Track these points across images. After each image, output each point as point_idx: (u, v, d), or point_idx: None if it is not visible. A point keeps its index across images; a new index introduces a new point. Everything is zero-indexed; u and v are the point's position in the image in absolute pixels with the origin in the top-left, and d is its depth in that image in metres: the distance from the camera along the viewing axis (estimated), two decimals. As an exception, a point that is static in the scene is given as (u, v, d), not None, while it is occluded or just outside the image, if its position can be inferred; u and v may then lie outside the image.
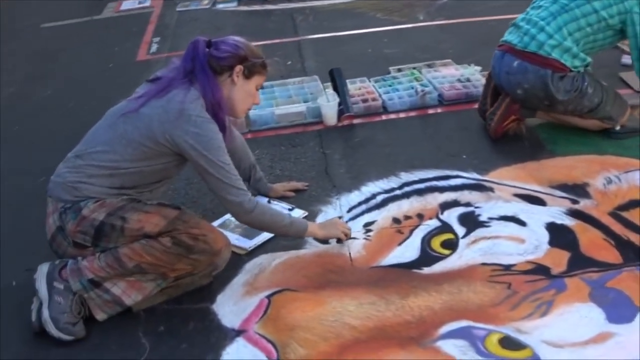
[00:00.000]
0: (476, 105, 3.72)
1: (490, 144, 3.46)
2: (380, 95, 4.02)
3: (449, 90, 3.98)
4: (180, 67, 2.58)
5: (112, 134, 2.50)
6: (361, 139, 3.65)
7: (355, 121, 3.85)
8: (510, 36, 3.39)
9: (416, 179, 3.20)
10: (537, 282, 2.46)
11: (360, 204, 3.06)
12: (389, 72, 4.40)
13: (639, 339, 2.17)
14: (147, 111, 2.46)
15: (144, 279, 2.45)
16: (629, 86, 3.86)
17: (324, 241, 2.77)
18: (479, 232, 2.76)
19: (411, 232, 2.81)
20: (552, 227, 2.75)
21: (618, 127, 3.38)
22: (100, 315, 2.45)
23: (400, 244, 2.75)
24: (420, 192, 3.08)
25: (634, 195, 2.91)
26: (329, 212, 3.02)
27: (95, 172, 2.47)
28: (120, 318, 2.47)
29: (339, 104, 3.81)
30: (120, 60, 5.30)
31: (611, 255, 2.57)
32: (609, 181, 3.02)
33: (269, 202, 3.07)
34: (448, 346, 2.21)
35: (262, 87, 4.07)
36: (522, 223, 2.79)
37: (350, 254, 2.72)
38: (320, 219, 2.96)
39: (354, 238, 2.79)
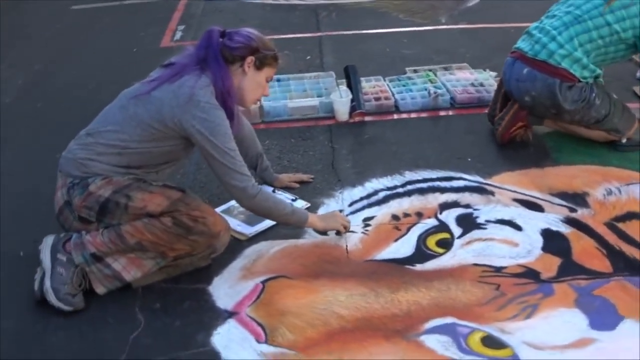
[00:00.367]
0: (487, 110, 3.76)
1: (497, 149, 3.50)
2: (393, 95, 4.08)
3: (461, 93, 4.02)
4: (193, 54, 2.66)
5: (123, 114, 2.59)
6: (370, 136, 3.71)
7: (367, 118, 3.91)
8: (522, 43, 3.43)
9: (420, 178, 3.26)
10: (525, 286, 2.52)
11: (362, 199, 3.12)
12: (404, 73, 4.45)
13: (619, 346, 2.22)
14: (159, 95, 2.55)
15: (144, 256, 2.54)
16: (641, 100, 3.89)
17: (323, 232, 2.84)
18: (475, 234, 2.81)
19: (408, 229, 2.87)
20: (547, 233, 2.80)
21: (624, 140, 3.41)
22: (100, 289, 2.54)
23: (396, 240, 2.81)
24: (421, 192, 3.14)
25: (632, 207, 2.95)
26: (330, 205, 3.08)
27: (104, 150, 2.56)
28: (119, 293, 2.56)
29: (352, 101, 3.87)
30: (144, 46, 5.39)
31: (602, 264, 2.62)
32: (609, 192, 3.06)
33: (273, 191, 3.15)
34: (431, 341, 2.28)
35: (278, 80, 4.22)
36: (518, 227, 2.84)
37: (347, 246, 2.78)
38: (322, 211, 3.03)
39: (353, 231, 2.86)
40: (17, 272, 2.72)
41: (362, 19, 5.80)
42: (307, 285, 2.57)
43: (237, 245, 2.82)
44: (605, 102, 3.33)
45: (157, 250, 2.53)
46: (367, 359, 2.22)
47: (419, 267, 2.65)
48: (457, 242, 2.77)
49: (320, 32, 5.52)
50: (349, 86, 3.94)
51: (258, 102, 3.74)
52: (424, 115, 3.95)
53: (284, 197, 3.09)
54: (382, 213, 3.00)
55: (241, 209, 2.84)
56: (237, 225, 2.92)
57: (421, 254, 2.72)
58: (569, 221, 2.87)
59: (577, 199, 3.03)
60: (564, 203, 3.00)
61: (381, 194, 3.14)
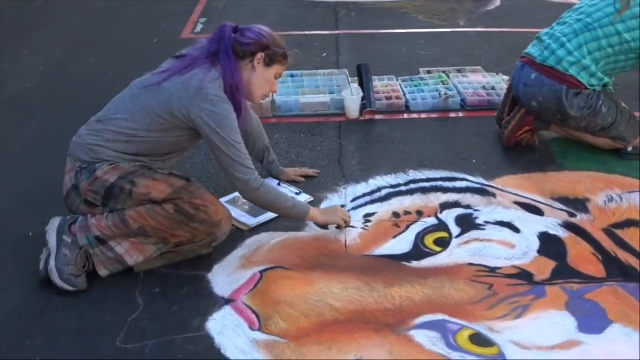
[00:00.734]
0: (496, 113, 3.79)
1: (502, 152, 3.54)
2: (404, 95, 4.12)
3: (472, 96, 4.06)
4: (205, 47, 2.73)
5: (134, 103, 2.67)
6: (379, 135, 3.76)
7: (378, 117, 3.95)
8: (532, 49, 3.46)
9: (423, 177, 3.30)
10: (518, 287, 2.56)
11: (364, 195, 3.17)
12: (418, 73, 4.49)
13: (605, 350, 2.26)
14: (169, 86, 2.61)
15: (146, 241, 2.61)
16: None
17: (324, 227, 2.89)
18: (473, 234, 2.86)
19: (408, 227, 2.92)
20: (544, 237, 2.83)
21: (630, 149, 3.43)
22: (102, 272, 2.62)
23: (395, 237, 2.86)
24: (424, 191, 3.19)
25: (632, 215, 2.98)
26: (333, 200, 3.14)
27: (113, 137, 2.64)
28: (121, 276, 2.64)
29: (363, 99, 3.92)
30: (165, 37, 5.46)
31: (596, 269, 2.65)
32: (610, 199, 3.09)
33: (279, 184, 3.21)
34: (420, 336, 2.33)
35: (292, 76, 4.27)
36: (516, 230, 2.88)
37: (346, 240, 2.84)
38: (324, 205, 3.08)
39: (353, 227, 2.91)
40: (25, 251, 2.79)
41: (381, 18, 5.84)
42: (303, 276, 2.63)
43: (239, 235, 2.89)
44: (612, 110, 3.34)
45: (158, 236, 2.60)
46: (356, 351, 2.27)
47: (414, 264, 2.69)
48: (454, 242, 2.81)
49: (338, 30, 5.57)
50: (361, 84, 3.99)
51: (270, 97, 3.80)
52: (434, 116, 3.99)
53: (288, 190, 3.15)
54: (383, 210, 3.05)
55: (245, 200, 2.90)
56: (241, 215, 2.98)
57: (418, 251, 2.77)
58: (567, 226, 2.90)
59: (577, 204, 3.06)
60: (564, 208, 3.03)
61: (384, 192, 3.19)
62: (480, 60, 4.75)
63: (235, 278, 2.63)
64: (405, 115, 4.01)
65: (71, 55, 5.12)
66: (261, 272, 2.66)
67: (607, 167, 3.36)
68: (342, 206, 3.05)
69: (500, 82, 4.23)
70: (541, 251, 2.75)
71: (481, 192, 3.16)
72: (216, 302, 2.51)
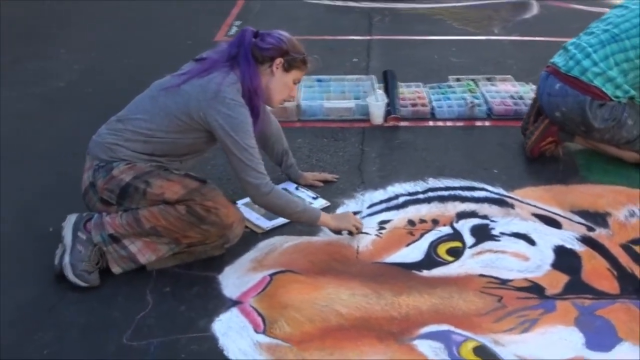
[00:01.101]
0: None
1: (525, 162, 3.50)
2: (430, 102, 4.10)
3: (498, 105, 4.02)
4: (225, 51, 2.76)
5: (153, 104, 2.71)
6: (401, 141, 3.75)
7: (402, 124, 3.95)
8: (557, 58, 3.42)
9: (442, 186, 3.28)
10: (528, 300, 2.52)
11: (381, 202, 3.16)
12: (447, 81, 4.46)
13: (611, 369, 2.22)
14: (187, 88, 2.65)
15: (159, 241, 2.65)
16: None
17: (338, 232, 2.89)
18: (487, 245, 2.83)
19: (422, 235, 2.90)
20: (559, 250, 2.79)
21: (656, 163, 3.36)
22: (115, 269, 2.66)
23: (408, 245, 2.85)
24: (442, 199, 3.17)
25: (652, 231, 2.92)
26: (350, 206, 3.13)
27: (131, 137, 2.68)
28: (134, 274, 2.67)
29: (387, 105, 3.91)
30: (199, 38, 5.53)
31: (610, 285, 2.60)
32: (632, 214, 3.03)
33: (296, 188, 3.22)
34: (423, 346, 2.31)
35: (320, 80, 4.29)
36: (531, 242, 2.84)
37: (358, 247, 2.84)
38: (340, 211, 3.09)
39: (366, 233, 2.91)
40: (44, 246, 2.84)
41: (415, 24, 5.84)
42: (313, 281, 2.64)
43: (253, 237, 2.91)
44: (638, 123, 3.28)
45: (170, 236, 2.63)
46: (358, 358, 2.27)
47: (425, 273, 2.68)
48: (467, 252, 2.79)
49: (370, 35, 5.57)
50: (386, 90, 3.99)
51: (294, 101, 3.81)
52: (459, 124, 3.97)
53: (305, 195, 3.17)
54: (398, 217, 3.04)
55: (259, 203, 2.92)
56: (257, 218, 3.00)
57: (430, 260, 2.75)
58: (585, 240, 2.86)
59: (597, 218, 3.01)
60: (583, 221, 2.98)
61: (401, 199, 3.18)
62: (511, 69, 4.72)
63: (245, 280, 2.65)
64: (430, 123, 3.99)
65: (106, 55, 5.22)
66: (271, 275, 2.67)
67: (631, 182, 3.30)
68: (358, 212, 3.05)
69: (529, 92, 4.19)
70: (555, 265, 2.71)
71: (499, 202, 3.13)
72: (224, 304, 2.53)
